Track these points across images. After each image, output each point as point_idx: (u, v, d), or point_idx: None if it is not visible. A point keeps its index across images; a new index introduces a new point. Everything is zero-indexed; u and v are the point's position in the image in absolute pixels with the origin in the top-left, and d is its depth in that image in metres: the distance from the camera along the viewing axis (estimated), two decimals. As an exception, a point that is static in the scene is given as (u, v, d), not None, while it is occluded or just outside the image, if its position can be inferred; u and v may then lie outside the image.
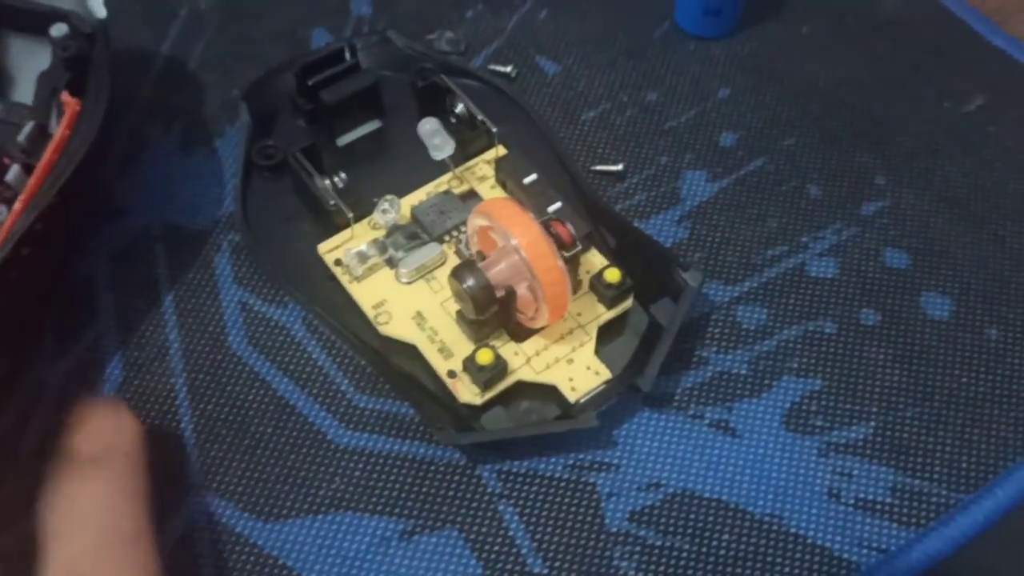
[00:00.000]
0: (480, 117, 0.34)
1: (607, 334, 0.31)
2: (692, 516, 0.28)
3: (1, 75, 0.35)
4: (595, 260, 0.32)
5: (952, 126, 0.37)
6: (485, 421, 0.29)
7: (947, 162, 0.36)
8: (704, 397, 0.31)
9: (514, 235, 0.28)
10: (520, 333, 0.30)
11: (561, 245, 0.29)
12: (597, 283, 0.31)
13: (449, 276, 0.29)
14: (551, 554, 0.28)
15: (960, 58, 0.39)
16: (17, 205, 0.30)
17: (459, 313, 0.30)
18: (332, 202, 0.32)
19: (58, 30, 0.32)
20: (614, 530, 0.28)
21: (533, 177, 0.33)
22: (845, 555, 0.28)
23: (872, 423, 0.30)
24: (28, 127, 0.33)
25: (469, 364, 0.29)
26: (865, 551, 0.28)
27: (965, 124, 0.37)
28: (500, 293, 0.29)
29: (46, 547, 0.23)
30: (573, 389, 0.29)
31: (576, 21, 0.40)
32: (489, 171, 0.34)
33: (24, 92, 0.35)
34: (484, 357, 0.29)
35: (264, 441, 0.30)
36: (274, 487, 0.29)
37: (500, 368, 0.29)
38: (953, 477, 0.29)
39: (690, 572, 0.27)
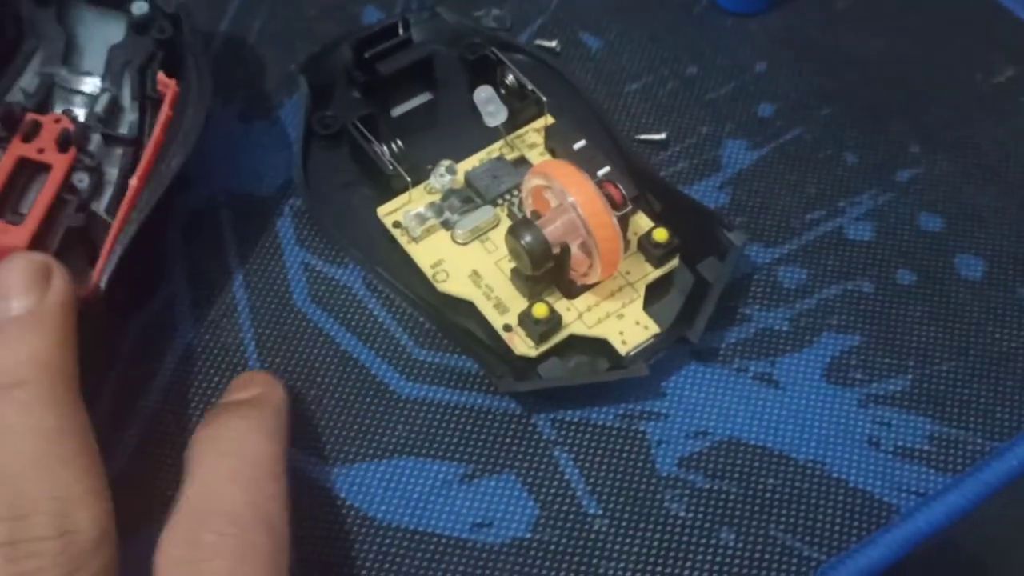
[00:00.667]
0: (530, 87, 0.35)
1: (654, 292, 0.32)
2: (738, 462, 0.30)
3: (69, 45, 0.36)
4: (642, 222, 0.33)
5: (983, 96, 0.38)
6: (541, 372, 0.31)
7: (979, 131, 0.37)
8: (748, 351, 0.32)
9: (571, 193, 0.29)
10: (572, 290, 0.32)
11: (613, 205, 0.30)
12: (645, 242, 0.32)
13: (506, 233, 0.30)
14: (605, 496, 0.29)
15: (990, 31, 0.41)
16: (134, 182, 0.31)
17: (514, 271, 0.32)
18: (391, 167, 0.33)
19: (139, 8, 0.34)
20: (664, 474, 0.30)
21: (582, 143, 0.34)
22: (885, 498, 0.29)
23: (909, 376, 0.31)
24: (105, 98, 0.35)
25: (525, 318, 0.30)
26: (904, 495, 0.29)
27: (996, 94, 0.39)
28: (556, 250, 0.30)
29: (189, 470, 0.23)
30: (624, 342, 0.31)
31: (616, -1, 0.42)
32: (538, 139, 0.36)
33: (92, 63, 0.36)
34: (540, 311, 0.30)
35: (330, 392, 0.31)
36: (340, 434, 0.30)
37: (555, 321, 0.30)
38: (988, 426, 0.30)
39: (737, 513, 0.29)
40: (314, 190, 0.35)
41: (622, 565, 0.28)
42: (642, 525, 0.29)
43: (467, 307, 0.32)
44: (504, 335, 0.31)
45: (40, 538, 0.20)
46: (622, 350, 0.31)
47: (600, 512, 0.29)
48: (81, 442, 0.23)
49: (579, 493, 0.29)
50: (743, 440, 0.30)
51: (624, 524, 0.29)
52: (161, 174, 0.31)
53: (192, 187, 0.36)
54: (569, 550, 0.28)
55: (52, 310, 0.24)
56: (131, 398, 0.31)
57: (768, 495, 0.29)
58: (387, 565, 0.28)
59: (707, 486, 0.29)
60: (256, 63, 0.40)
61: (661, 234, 0.32)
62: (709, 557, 0.28)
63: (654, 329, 0.31)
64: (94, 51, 0.36)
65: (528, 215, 0.32)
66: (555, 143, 0.35)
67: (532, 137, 0.36)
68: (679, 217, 0.33)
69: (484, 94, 0.35)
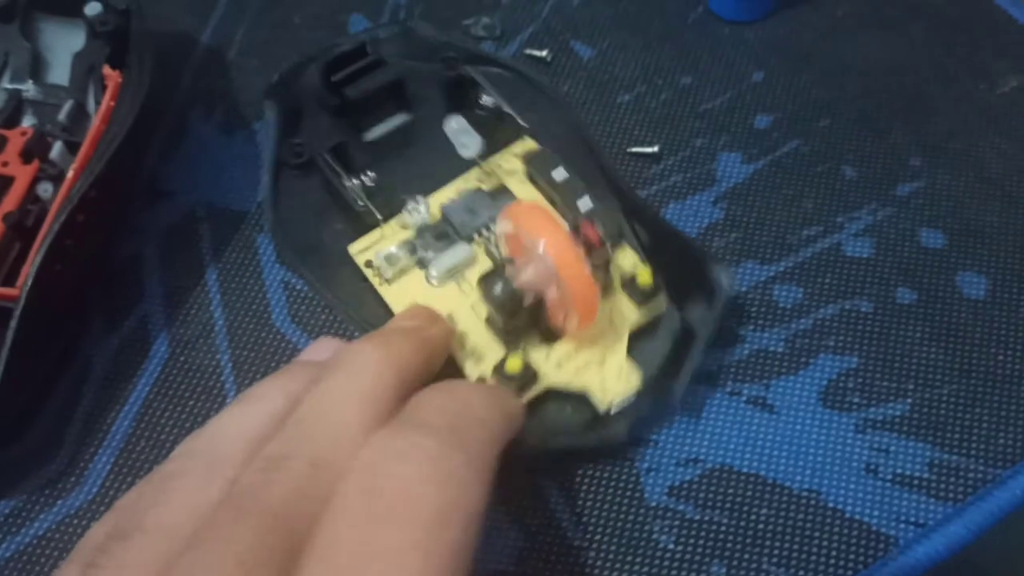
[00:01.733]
0: (507, 110, 0.33)
1: (639, 335, 0.30)
2: (730, 491, 0.29)
3: (36, 58, 0.36)
4: (627, 258, 0.31)
5: (987, 107, 0.37)
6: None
7: (982, 143, 0.36)
8: (741, 374, 0.31)
9: (541, 242, 0.27)
10: (551, 335, 0.30)
11: (590, 246, 0.29)
12: (629, 285, 0.30)
13: (478, 282, 0.29)
14: (591, 527, 0.28)
15: (994, 40, 0.39)
16: (70, 174, 0.31)
17: (489, 317, 0.30)
18: (361, 203, 0.32)
19: (92, 8, 0.33)
20: (653, 504, 0.29)
21: (563, 173, 0.32)
22: (883, 529, 0.28)
23: (909, 400, 0.30)
24: (68, 105, 0.34)
25: (498, 372, 0.29)
26: (903, 525, 0.28)
27: (1000, 105, 0.37)
28: (529, 299, 0.28)
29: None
30: (604, 394, 0.29)
31: (610, 6, 0.41)
32: (518, 164, 0.33)
33: (59, 74, 0.36)
34: (513, 366, 0.28)
35: (308, 416, 0.30)
36: (319, 461, 0.29)
37: (529, 376, 0.28)
38: (991, 453, 0.29)
39: (728, 545, 0.28)
40: (285, 223, 0.33)
41: (609, 599, 0.27)
42: (630, 558, 0.28)
43: None
44: None
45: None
46: (602, 405, 0.29)
47: (586, 544, 0.28)
48: None
49: (564, 523, 0.28)
50: (735, 468, 0.29)
51: (611, 556, 0.28)
52: (95, 160, 0.30)
53: (170, 199, 0.35)
54: (554, 583, 0.27)
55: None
56: (103, 422, 0.30)
57: (761, 526, 0.28)
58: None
59: (697, 516, 0.28)
60: (238, 73, 0.39)
61: (645, 277, 0.30)
62: (699, 591, 0.27)
63: (637, 379, 0.29)
64: (58, 61, 0.36)
65: (504, 256, 0.30)
66: (535, 171, 0.33)
67: (512, 162, 0.34)
68: (666, 250, 0.31)
69: (455, 124, 0.33)
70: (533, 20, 0.40)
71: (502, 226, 0.29)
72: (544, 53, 0.39)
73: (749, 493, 0.29)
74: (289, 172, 0.34)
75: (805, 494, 0.29)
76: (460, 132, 0.33)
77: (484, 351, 0.29)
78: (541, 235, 0.27)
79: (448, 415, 0.22)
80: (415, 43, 0.37)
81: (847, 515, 0.28)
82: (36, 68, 0.35)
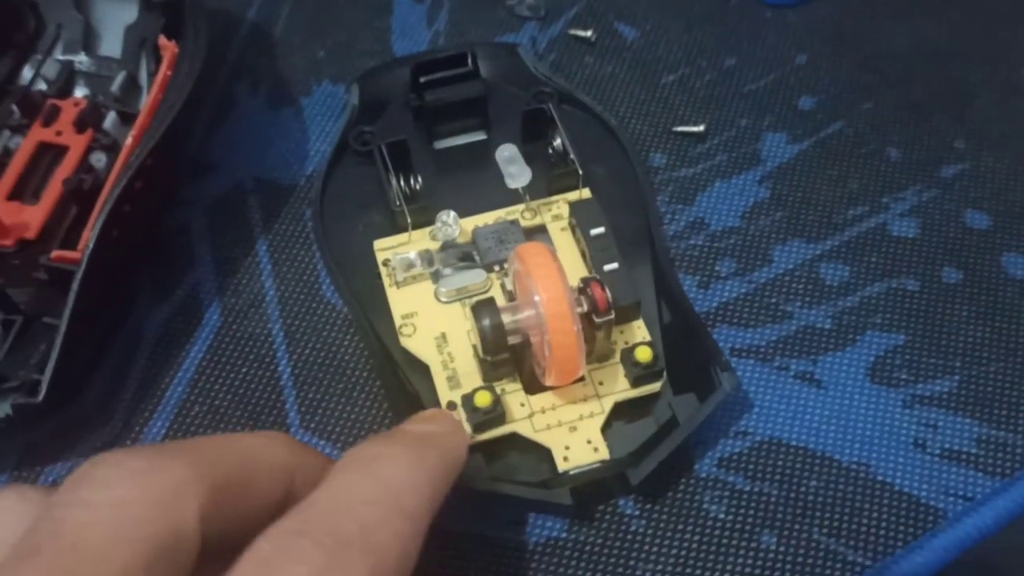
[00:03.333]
0: (571, 156, 0.32)
1: (623, 411, 0.29)
2: (779, 463, 0.29)
3: (89, 30, 0.36)
4: (637, 331, 0.30)
5: (1029, 92, 0.38)
6: (471, 459, 0.27)
7: (1023, 127, 0.37)
8: (789, 350, 0.31)
9: (537, 287, 0.26)
10: (533, 385, 0.29)
11: (595, 310, 0.28)
12: (629, 358, 0.29)
13: (472, 307, 0.28)
14: (641, 496, 0.28)
15: (1036, 26, 0.40)
16: (128, 140, 0.31)
17: (475, 347, 0.29)
18: (397, 203, 0.31)
19: None
20: (703, 475, 0.29)
21: (600, 230, 0.31)
22: (932, 502, 0.28)
23: (956, 377, 0.31)
24: (120, 76, 0.35)
25: (467, 402, 0.28)
26: (951, 499, 0.28)
27: (1043, 90, 0.38)
28: (515, 340, 0.28)
29: (324, 479, 0.20)
30: (566, 459, 0.28)
31: (653, -12, 0.41)
32: (567, 211, 0.32)
33: (111, 46, 0.36)
34: (482, 400, 0.28)
35: (360, 385, 0.31)
36: (370, 428, 0.30)
37: (496, 415, 0.28)
38: (1038, 429, 0.30)
39: (779, 515, 0.28)
40: (330, 203, 0.33)
41: (659, 567, 0.27)
42: (680, 527, 0.28)
43: (424, 369, 0.29)
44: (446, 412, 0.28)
45: None
46: (561, 466, 0.28)
47: (637, 513, 0.28)
48: None
49: (615, 492, 0.29)
50: (784, 441, 0.29)
51: (662, 525, 0.28)
52: (154, 129, 0.30)
53: (218, 172, 0.36)
54: (605, 551, 0.28)
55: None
56: (156, 388, 0.31)
57: (810, 498, 0.28)
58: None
59: (747, 488, 0.29)
60: (283, 49, 0.39)
61: (645, 354, 0.29)
62: (749, 560, 0.27)
63: (604, 455, 0.28)
64: (110, 33, 0.36)
65: (511, 293, 0.30)
66: (577, 220, 0.31)
67: (560, 208, 0.33)
68: (681, 337, 0.30)
69: (506, 153, 0.32)
70: (577, 1, 0.40)
71: (515, 263, 0.28)
72: (589, 33, 0.39)
73: (798, 465, 0.29)
74: (350, 157, 0.34)
75: (854, 467, 0.29)
76: (510, 162, 0.32)
77: (463, 379, 0.29)
78: (539, 283, 0.26)
79: (365, 516, 0.19)
80: (517, 66, 0.36)
81: (896, 488, 0.28)
82: (88, 40, 0.36)
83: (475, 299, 0.30)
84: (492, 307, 0.27)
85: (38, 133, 0.33)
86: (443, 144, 0.35)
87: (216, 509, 0.18)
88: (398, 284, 0.31)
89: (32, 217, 0.31)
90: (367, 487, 0.20)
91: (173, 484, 0.18)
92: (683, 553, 0.27)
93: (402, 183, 0.32)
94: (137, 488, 0.18)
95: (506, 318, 0.27)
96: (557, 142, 0.33)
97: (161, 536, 0.17)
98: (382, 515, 0.19)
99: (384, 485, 0.20)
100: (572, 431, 0.28)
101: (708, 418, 0.28)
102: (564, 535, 0.28)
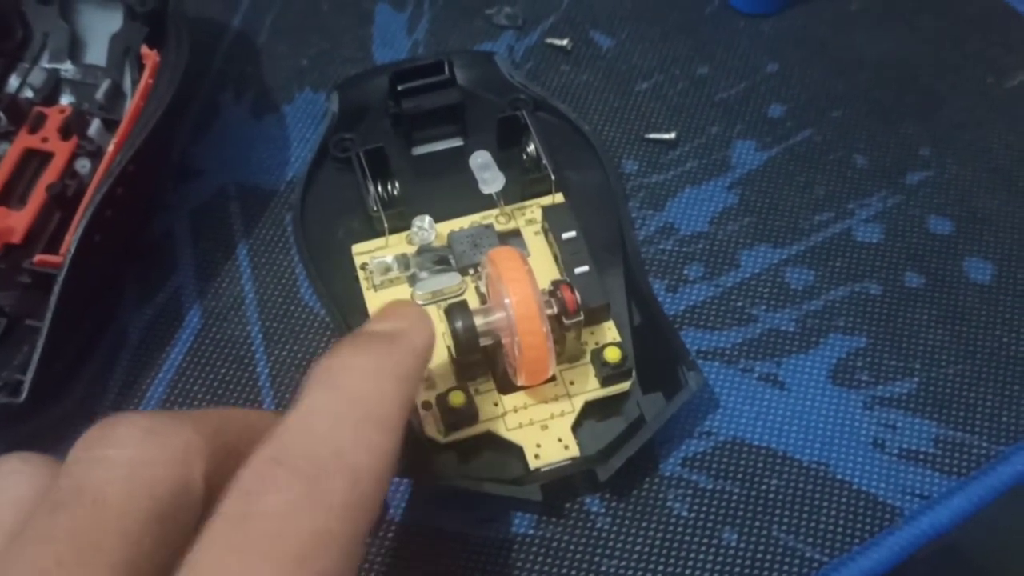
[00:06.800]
0: (545, 161, 0.33)
1: (593, 410, 0.30)
2: (742, 462, 0.30)
3: (74, 39, 0.37)
4: (607, 332, 0.31)
5: (995, 100, 0.38)
6: (444, 457, 0.29)
7: (990, 135, 0.37)
8: (754, 352, 0.32)
9: (507, 290, 0.27)
10: (506, 385, 0.30)
11: (564, 312, 0.28)
12: (599, 359, 0.30)
13: (445, 310, 0.29)
14: (607, 494, 0.29)
15: (1003, 36, 0.40)
16: (110, 148, 0.32)
17: (449, 348, 0.30)
18: (375, 209, 0.32)
19: None
20: (668, 474, 0.30)
21: (572, 234, 0.31)
22: (889, 500, 0.29)
23: (916, 379, 0.31)
24: (105, 84, 0.35)
25: (440, 402, 0.29)
26: (908, 497, 0.29)
27: (1009, 98, 0.38)
28: (487, 341, 0.28)
29: (295, 399, 0.20)
30: (537, 456, 0.29)
31: (629, -2, 0.42)
32: (540, 215, 0.33)
33: (96, 54, 0.37)
34: (456, 399, 0.29)
35: (335, 386, 0.31)
36: (346, 428, 0.30)
37: (469, 414, 0.29)
38: (994, 430, 0.30)
39: (740, 513, 0.29)
40: (309, 209, 0.34)
41: (624, 563, 0.28)
42: (644, 524, 0.29)
43: None
44: (421, 411, 0.29)
45: None
46: (532, 464, 0.29)
47: (603, 510, 0.29)
48: None
49: (582, 490, 0.29)
50: (747, 441, 0.30)
51: (627, 522, 0.29)
52: (134, 136, 0.31)
53: (201, 177, 0.36)
54: (572, 547, 0.28)
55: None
56: (138, 389, 0.31)
57: (771, 496, 0.29)
58: (390, 559, 0.28)
59: (710, 486, 0.29)
60: (268, 58, 0.40)
61: (613, 354, 0.30)
62: (711, 557, 0.28)
63: (574, 452, 0.29)
64: (96, 42, 0.37)
65: (485, 295, 0.31)
66: (550, 224, 0.32)
67: (534, 212, 0.34)
68: (650, 338, 0.31)
69: (480, 159, 0.33)
70: (554, 10, 0.41)
71: (487, 266, 0.29)
72: (565, 42, 0.40)
73: (760, 464, 0.30)
74: (330, 163, 0.35)
75: (814, 466, 0.30)
76: (483, 168, 0.33)
77: (438, 379, 0.30)
78: (510, 286, 0.27)
79: (332, 442, 0.20)
80: (493, 75, 0.37)
81: (854, 487, 0.29)
82: (74, 49, 0.37)
83: (450, 302, 0.30)
84: (464, 309, 0.28)
85: (24, 140, 0.34)
86: (421, 150, 0.36)
87: (216, 472, 0.19)
88: (375, 287, 0.32)
89: (17, 222, 0.32)
90: (337, 405, 0.20)
91: (183, 445, 0.19)
92: (647, 549, 0.28)
93: (380, 189, 0.33)
94: (152, 447, 0.18)
95: (478, 320, 0.28)
96: (531, 148, 0.34)
97: (173, 493, 0.18)
98: (354, 432, 0.20)
99: (354, 400, 0.20)
100: (544, 429, 0.29)
101: (674, 418, 0.29)
102: (532, 531, 0.29)
